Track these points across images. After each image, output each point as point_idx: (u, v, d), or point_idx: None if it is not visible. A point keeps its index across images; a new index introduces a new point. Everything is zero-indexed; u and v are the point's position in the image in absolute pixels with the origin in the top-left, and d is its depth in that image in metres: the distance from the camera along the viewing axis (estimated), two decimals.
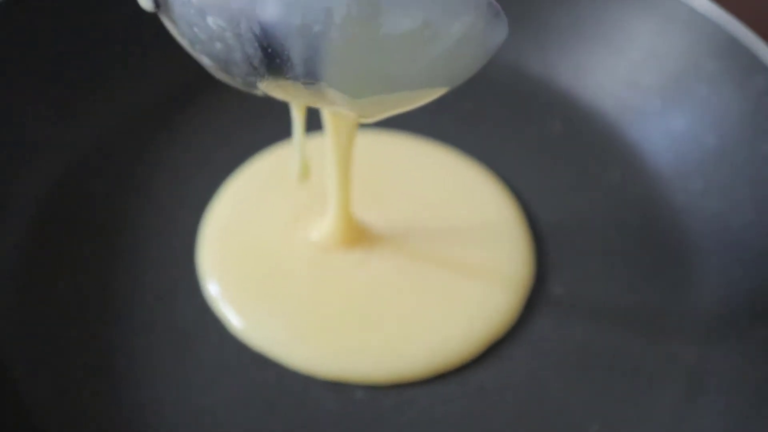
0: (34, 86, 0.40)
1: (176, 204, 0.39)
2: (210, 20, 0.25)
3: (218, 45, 0.25)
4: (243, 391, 0.34)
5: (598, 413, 0.34)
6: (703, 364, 0.35)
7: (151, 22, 0.42)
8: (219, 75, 0.27)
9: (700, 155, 0.41)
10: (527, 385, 0.34)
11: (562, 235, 0.39)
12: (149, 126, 0.42)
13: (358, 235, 0.38)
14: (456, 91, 0.44)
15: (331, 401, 0.34)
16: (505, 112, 0.44)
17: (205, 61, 0.27)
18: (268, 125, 0.42)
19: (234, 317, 0.36)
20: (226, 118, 0.43)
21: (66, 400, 0.33)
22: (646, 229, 0.40)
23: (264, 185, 0.40)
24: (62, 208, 0.38)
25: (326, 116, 0.33)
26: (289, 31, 0.24)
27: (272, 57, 0.25)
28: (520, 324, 0.36)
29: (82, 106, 0.41)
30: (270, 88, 0.27)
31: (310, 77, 0.25)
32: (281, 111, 0.42)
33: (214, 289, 0.36)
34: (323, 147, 0.35)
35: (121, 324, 0.35)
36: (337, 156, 0.34)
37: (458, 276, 0.37)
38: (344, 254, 0.38)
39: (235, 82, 0.27)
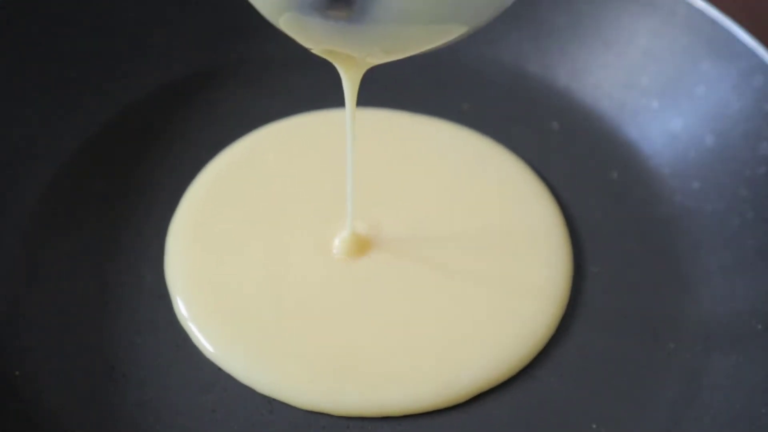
0: (26, 85, 0.40)
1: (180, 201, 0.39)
2: None
3: None
4: (243, 391, 0.33)
5: (598, 413, 0.34)
6: (703, 364, 0.35)
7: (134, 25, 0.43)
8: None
9: (698, 155, 0.41)
10: (526, 385, 0.34)
11: None
12: (146, 123, 0.42)
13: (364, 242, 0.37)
14: (455, 91, 0.44)
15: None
16: (503, 111, 0.44)
17: None
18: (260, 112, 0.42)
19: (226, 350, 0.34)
20: (225, 112, 0.43)
21: (66, 400, 0.33)
22: (643, 228, 0.40)
23: (238, 180, 0.39)
24: (61, 208, 0.38)
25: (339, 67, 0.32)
26: None
27: None
28: None
29: (75, 105, 0.41)
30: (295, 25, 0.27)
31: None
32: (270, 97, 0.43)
33: (182, 307, 0.35)
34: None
35: (122, 323, 0.35)
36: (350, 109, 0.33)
37: (489, 293, 0.36)
38: (347, 263, 0.37)
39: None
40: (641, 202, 0.41)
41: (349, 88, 0.32)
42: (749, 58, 0.40)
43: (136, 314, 0.35)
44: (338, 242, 0.37)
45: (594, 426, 0.33)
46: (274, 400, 0.33)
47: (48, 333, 0.34)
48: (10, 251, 0.36)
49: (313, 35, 0.28)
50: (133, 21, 0.43)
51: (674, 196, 0.40)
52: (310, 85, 0.44)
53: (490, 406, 0.34)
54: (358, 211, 0.36)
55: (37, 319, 0.35)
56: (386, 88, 0.43)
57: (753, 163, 0.39)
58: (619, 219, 0.40)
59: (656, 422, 0.33)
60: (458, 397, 0.33)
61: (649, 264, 0.38)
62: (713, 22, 0.41)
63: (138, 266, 0.37)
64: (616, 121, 0.43)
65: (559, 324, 0.36)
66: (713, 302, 0.37)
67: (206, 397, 0.33)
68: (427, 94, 0.44)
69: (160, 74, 0.43)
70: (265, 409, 0.33)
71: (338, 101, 0.41)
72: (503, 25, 0.45)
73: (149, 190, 0.39)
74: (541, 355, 0.35)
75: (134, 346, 0.34)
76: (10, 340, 0.34)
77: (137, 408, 0.33)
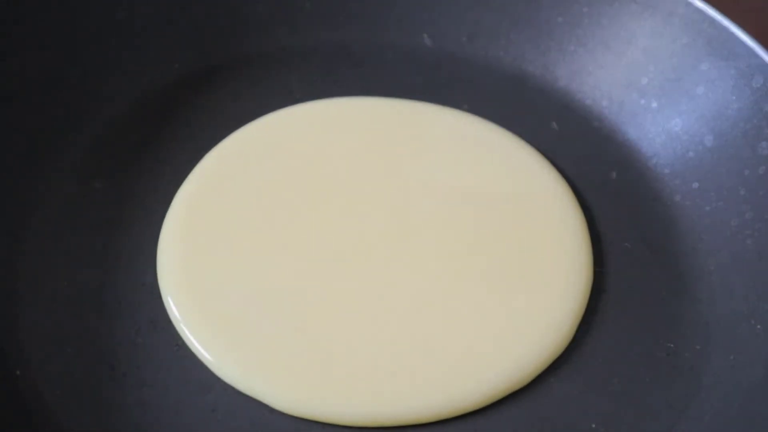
0: (24, 86, 0.40)
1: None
2: None
3: None
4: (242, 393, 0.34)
5: (598, 413, 0.34)
6: (703, 364, 0.35)
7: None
8: None
9: (697, 155, 0.41)
10: (526, 385, 0.34)
11: None
12: (146, 124, 0.42)
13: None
14: (455, 91, 0.44)
15: None
16: (503, 111, 0.43)
17: None
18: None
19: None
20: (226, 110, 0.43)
21: (66, 400, 0.33)
22: (643, 228, 0.40)
23: (229, 177, 0.39)
24: (60, 208, 0.38)
25: None
26: None
27: None
28: None
29: (72, 105, 0.41)
30: None
31: None
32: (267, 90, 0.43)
33: (174, 309, 0.35)
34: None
35: (122, 323, 0.35)
36: None
37: (506, 302, 0.35)
38: (347, 262, 0.36)
39: None
40: (641, 202, 0.41)
41: None
42: (749, 58, 0.40)
43: (136, 314, 0.35)
44: (334, 242, 0.36)
45: (594, 426, 0.33)
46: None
47: (48, 333, 0.34)
48: (10, 251, 0.36)
49: None
50: (129, 21, 0.43)
51: (674, 196, 0.40)
52: (306, 84, 0.44)
53: (489, 407, 0.34)
54: (362, 209, 0.36)
55: (37, 319, 0.35)
56: (385, 88, 0.43)
57: (753, 163, 0.39)
58: (619, 219, 0.40)
59: (656, 422, 0.33)
60: (461, 409, 0.33)
61: (648, 264, 0.38)
62: (713, 22, 0.41)
63: (138, 266, 0.37)
64: (616, 121, 0.43)
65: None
66: (713, 302, 0.37)
67: (206, 397, 0.33)
68: (428, 95, 0.44)
69: (153, 76, 0.43)
70: (266, 409, 0.33)
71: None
72: (503, 25, 0.45)
73: (149, 188, 0.39)
74: None
75: (134, 346, 0.34)
76: (10, 340, 0.34)
77: (137, 408, 0.33)
